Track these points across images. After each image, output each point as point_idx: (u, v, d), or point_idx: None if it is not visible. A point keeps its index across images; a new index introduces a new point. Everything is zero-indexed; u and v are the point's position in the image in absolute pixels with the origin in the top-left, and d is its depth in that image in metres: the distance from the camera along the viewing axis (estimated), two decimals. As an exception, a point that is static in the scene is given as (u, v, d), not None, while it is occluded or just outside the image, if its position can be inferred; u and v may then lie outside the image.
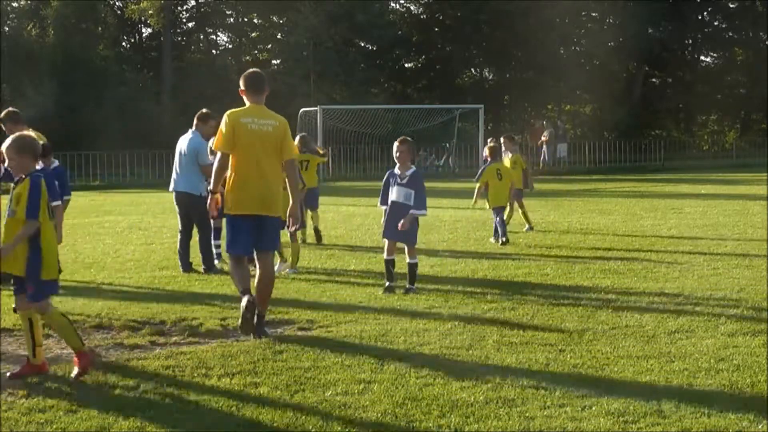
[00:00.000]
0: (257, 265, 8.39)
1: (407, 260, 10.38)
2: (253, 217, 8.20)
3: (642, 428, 5.56)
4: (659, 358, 7.10)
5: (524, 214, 16.38)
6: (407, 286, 10.28)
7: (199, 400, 6.18)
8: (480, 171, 15.41)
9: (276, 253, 10.30)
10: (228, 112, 8.31)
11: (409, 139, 10.54)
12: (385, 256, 10.50)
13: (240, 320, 8.08)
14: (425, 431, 5.58)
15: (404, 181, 10.31)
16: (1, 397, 6.32)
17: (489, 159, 15.30)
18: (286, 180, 8.47)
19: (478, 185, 15.10)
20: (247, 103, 8.38)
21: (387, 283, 10.33)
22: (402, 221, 10.15)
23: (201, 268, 12.02)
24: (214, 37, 56.76)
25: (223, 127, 8.24)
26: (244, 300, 8.01)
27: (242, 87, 8.38)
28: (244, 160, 8.16)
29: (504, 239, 14.29)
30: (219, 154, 8.31)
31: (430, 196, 10.85)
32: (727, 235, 15.11)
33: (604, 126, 50.96)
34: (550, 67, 50.41)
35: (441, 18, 55.27)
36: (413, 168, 10.44)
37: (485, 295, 9.91)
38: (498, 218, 14.59)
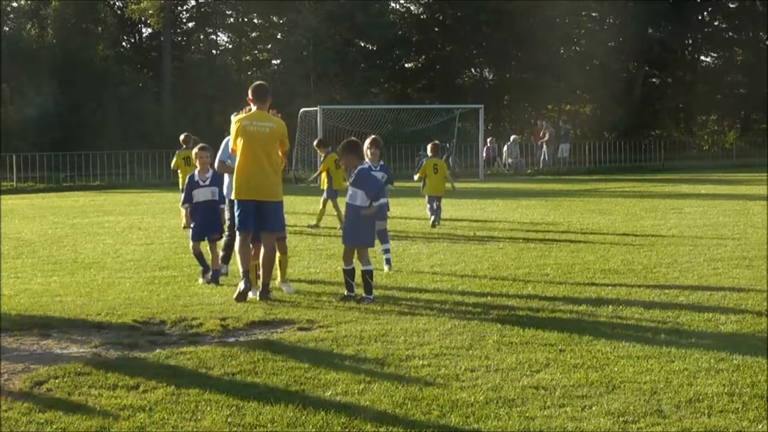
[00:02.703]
0: (262, 244, 9.84)
1: (362, 267, 9.77)
2: (254, 202, 9.75)
3: (642, 428, 5.56)
4: (659, 358, 7.10)
5: (322, 213, 17.72)
6: (363, 296, 9.66)
7: (199, 400, 6.17)
8: (420, 165, 18.23)
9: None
10: (236, 118, 10.03)
11: (355, 139, 10.38)
12: (344, 265, 9.90)
13: (236, 294, 9.65)
14: (425, 431, 5.58)
15: (350, 180, 10.16)
16: (1, 397, 6.32)
17: (430, 153, 17.63)
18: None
19: (417, 177, 17.75)
20: (253, 109, 9.97)
21: (346, 293, 9.79)
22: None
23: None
24: (214, 37, 56.85)
25: (232, 130, 10.00)
26: (242, 283, 9.65)
27: (249, 96, 9.99)
28: (244, 155, 9.80)
29: (436, 222, 16.98)
30: None
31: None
32: (727, 235, 15.10)
33: (604, 126, 50.98)
34: (550, 67, 50.44)
35: (441, 18, 55.29)
36: (358, 167, 10.05)
37: (485, 295, 9.91)
38: (429, 206, 17.24)
